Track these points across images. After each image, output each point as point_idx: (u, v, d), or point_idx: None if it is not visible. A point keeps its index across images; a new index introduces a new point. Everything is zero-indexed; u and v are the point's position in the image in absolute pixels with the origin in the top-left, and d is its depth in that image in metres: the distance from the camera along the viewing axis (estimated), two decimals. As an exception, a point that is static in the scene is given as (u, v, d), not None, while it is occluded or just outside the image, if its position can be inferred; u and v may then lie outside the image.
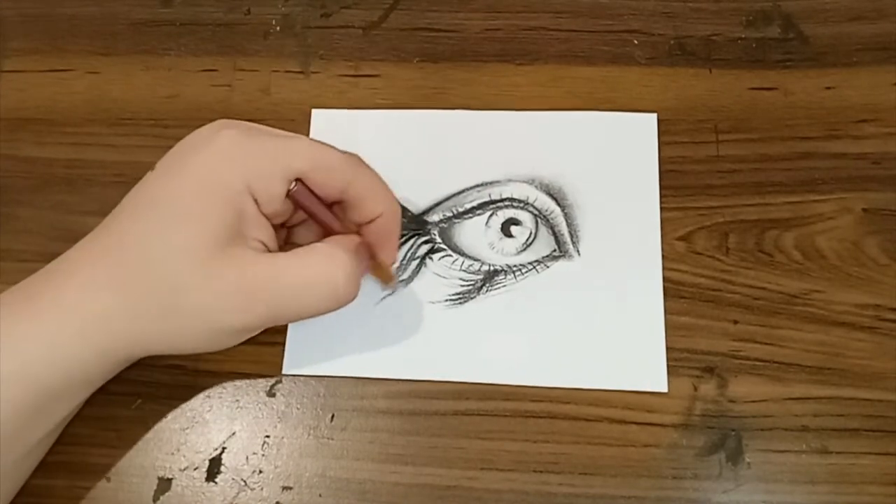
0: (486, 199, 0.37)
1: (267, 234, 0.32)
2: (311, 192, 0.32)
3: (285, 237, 0.35)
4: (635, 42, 0.40)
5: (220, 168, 0.30)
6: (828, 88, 0.38)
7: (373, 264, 0.34)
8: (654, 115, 0.38)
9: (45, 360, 0.29)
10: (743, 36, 0.40)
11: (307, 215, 0.33)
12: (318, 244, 0.32)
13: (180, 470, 0.34)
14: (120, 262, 0.30)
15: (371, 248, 0.33)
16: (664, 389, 0.34)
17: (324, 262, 0.31)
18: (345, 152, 0.32)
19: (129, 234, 0.31)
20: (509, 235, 0.36)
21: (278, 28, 0.42)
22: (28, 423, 0.30)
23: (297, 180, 0.31)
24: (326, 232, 0.33)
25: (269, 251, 0.32)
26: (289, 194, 0.31)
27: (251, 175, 0.30)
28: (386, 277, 0.35)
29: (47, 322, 0.30)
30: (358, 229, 0.33)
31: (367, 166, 0.33)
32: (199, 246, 0.29)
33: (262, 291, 0.30)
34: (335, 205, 0.33)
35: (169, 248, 0.30)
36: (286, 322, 0.35)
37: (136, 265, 0.30)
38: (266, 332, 0.35)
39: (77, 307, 0.30)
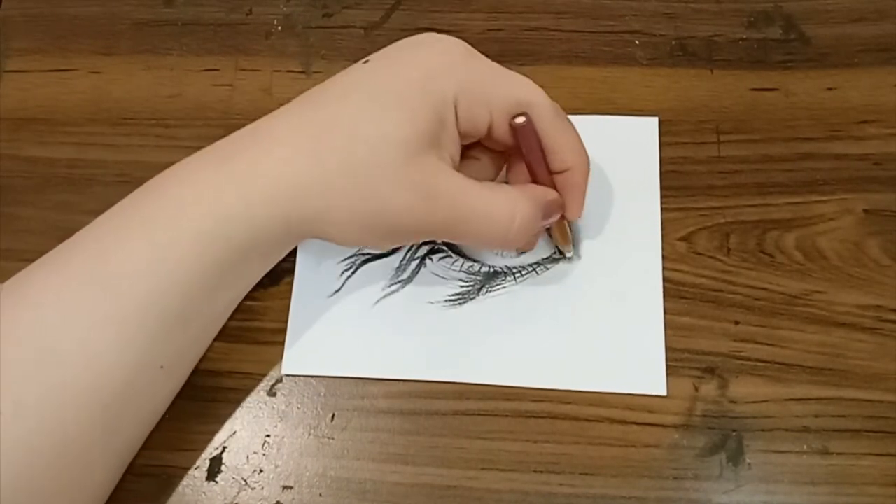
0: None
1: (456, 152, 0.32)
2: (535, 131, 0.32)
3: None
4: (637, 43, 0.40)
5: (437, 72, 0.31)
6: (829, 89, 0.38)
7: (556, 224, 0.34)
8: (656, 119, 0.38)
9: (239, 222, 0.30)
10: (744, 37, 0.40)
11: (521, 152, 0.32)
12: (508, 185, 0.33)
13: (181, 469, 0.34)
14: (323, 137, 0.30)
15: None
16: (663, 393, 0.34)
17: (508, 201, 0.31)
18: (551, 101, 0.32)
19: (336, 112, 0.31)
20: (510, 236, 0.36)
21: (280, 28, 0.42)
22: (219, 284, 0.31)
23: (526, 115, 0.31)
24: (530, 174, 0.33)
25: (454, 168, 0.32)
26: (513, 127, 0.31)
27: (462, 88, 0.31)
28: (563, 238, 0.35)
29: (244, 182, 0.30)
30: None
31: (567, 118, 0.33)
32: (403, 137, 0.30)
33: (446, 202, 0.30)
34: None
35: (378, 133, 0.30)
36: (451, 240, 0.35)
37: (341, 142, 0.30)
38: (266, 331, 0.36)
39: (274, 173, 0.30)
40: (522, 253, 0.36)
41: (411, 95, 0.30)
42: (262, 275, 0.35)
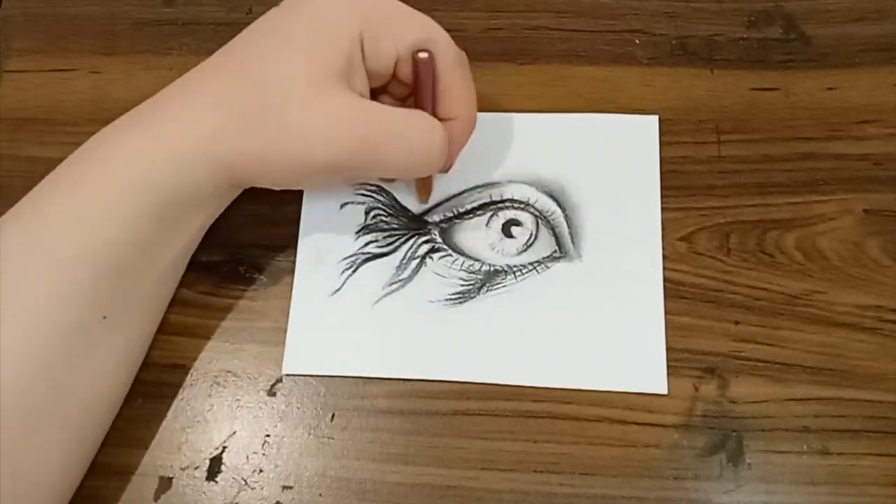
0: (487, 199, 0.37)
1: (364, 89, 0.33)
2: (435, 69, 0.32)
3: None
4: (637, 42, 0.40)
5: (341, 10, 0.32)
6: (829, 89, 0.38)
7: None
8: (656, 117, 0.38)
9: (164, 168, 0.31)
10: (745, 36, 0.40)
11: (413, 88, 0.33)
12: (418, 110, 0.33)
13: (181, 469, 0.34)
14: (235, 82, 0.32)
15: None
16: (664, 391, 0.34)
17: (424, 121, 0.32)
18: (456, 46, 0.33)
19: (245, 57, 0.32)
20: (510, 236, 0.36)
21: (280, 28, 0.42)
22: (158, 237, 0.32)
23: (429, 51, 0.32)
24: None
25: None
26: (416, 60, 0.32)
27: (368, 26, 0.32)
28: (425, 190, 0.36)
29: (165, 133, 0.31)
30: None
31: (467, 68, 0.33)
32: (311, 72, 0.31)
33: (360, 127, 0.31)
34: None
35: (282, 71, 0.31)
36: (373, 170, 0.34)
37: (250, 85, 0.31)
38: (265, 330, 0.36)
39: (192, 120, 0.31)
40: (522, 252, 0.36)
41: (317, 33, 0.31)
42: (203, 228, 0.35)
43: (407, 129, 0.32)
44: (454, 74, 0.33)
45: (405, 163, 0.33)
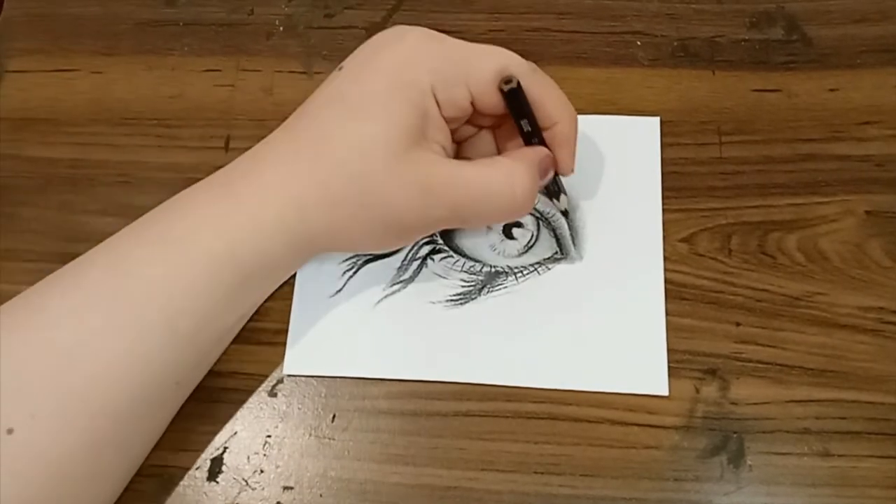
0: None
1: (446, 139, 0.33)
2: (523, 93, 0.32)
3: (455, 152, 0.36)
4: (638, 43, 0.40)
5: (409, 66, 0.31)
6: (831, 90, 0.38)
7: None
8: (657, 119, 0.38)
9: (247, 241, 0.31)
10: (746, 37, 0.40)
11: (513, 117, 0.33)
12: (500, 157, 0.33)
13: (182, 469, 0.34)
14: (314, 153, 0.31)
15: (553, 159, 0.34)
16: (665, 393, 0.33)
17: (504, 173, 0.32)
18: (527, 61, 0.33)
19: (315, 129, 0.32)
20: (511, 237, 0.36)
21: (281, 28, 0.42)
22: (228, 304, 0.32)
23: (515, 79, 0.31)
24: (523, 138, 0.33)
25: (447, 157, 0.32)
26: (503, 92, 0.31)
27: (437, 76, 0.31)
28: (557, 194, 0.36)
29: (250, 205, 0.31)
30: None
31: (546, 76, 0.33)
32: (389, 139, 0.30)
33: (445, 193, 0.31)
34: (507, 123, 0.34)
35: (364, 139, 0.31)
36: (464, 226, 0.35)
37: (332, 155, 0.31)
38: (267, 331, 0.36)
39: (277, 193, 0.31)
40: (523, 253, 0.36)
41: (389, 95, 0.31)
42: (269, 293, 0.35)
43: (489, 186, 0.32)
44: (539, 85, 0.32)
45: (492, 217, 0.33)
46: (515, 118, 0.33)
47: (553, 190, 0.36)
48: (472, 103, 0.32)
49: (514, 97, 0.32)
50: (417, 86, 0.31)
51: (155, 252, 0.31)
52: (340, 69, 0.33)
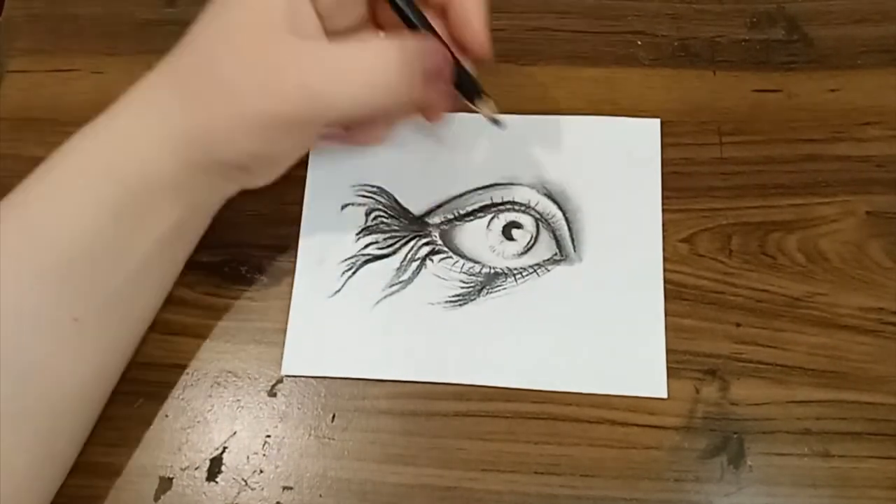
0: (488, 202, 0.37)
1: (315, 28, 0.30)
2: None
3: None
4: (639, 43, 0.40)
5: None
6: (832, 91, 0.38)
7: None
8: (658, 121, 0.38)
9: (126, 154, 0.31)
10: (747, 38, 0.40)
11: (394, 12, 0.31)
12: (375, 38, 0.31)
13: (181, 469, 0.34)
14: (176, 61, 0.31)
15: (458, 49, 0.31)
16: (663, 396, 0.33)
17: (375, 52, 0.29)
18: None
19: (188, 35, 0.32)
20: (510, 239, 0.36)
21: (282, 28, 0.42)
22: (126, 228, 0.31)
23: None
24: (403, 23, 0.31)
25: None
26: None
27: None
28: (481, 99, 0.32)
29: (121, 120, 0.31)
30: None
31: None
32: (240, 33, 0.30)
33: (296, 72, 0.29)
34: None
35: (212, 36, 0.30)
36: (336, 115, 0.31)
37: (187, 57, 0.31)
38: (266, 331, 0.36)
39: (146, 103, 0.31)
40: (523, 254, 0.36)
41: None
42: (179, 227, 0.33)
43: (350, 63, 0.29)
44: None
45: (358, 99, 0.29)
46: (392, 6, 0.30)
47: (469, 90, 0.32)
48: None
49: None
50: None
51: (41, 180, 0.31)
52: None
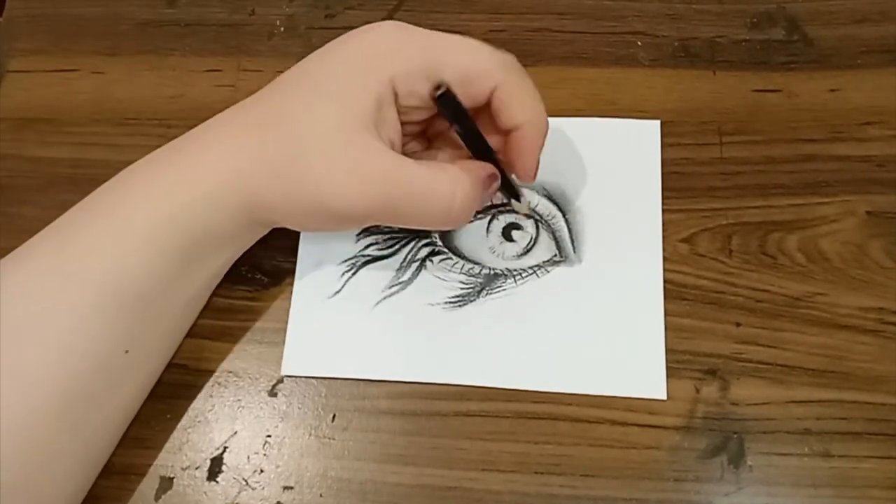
0: (488, 203, 0.37)
1: (396, 133, 0.32)
2: (457, 100, 0.31)
3: (425, 148, 0.35)
4: (639, 44, 0.40)
5: (371, 56, 0.31)
6: (832, 90, 0.38)
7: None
8: (658, 122, 0.38)
9: (190, 207, 0.31)
10: (747, 38, 0.40)
11: (449, 123, 0.32)
12: (448, 164, 0.32)
13: (182, 469, 0.34)
14: (264, 128, 0.32)
15: (508, 165, 0.33)
16: (663, 397, 0.33)
17: (447, 181, 0.31)
18: (501, 53, 0.32)
19: (272, 104, 0.32)
20: (510, 240, 0.36)
21: (283, 29, 0.42)
22: (182, 271, 0.32)
23: (445, 86, 0.30)
24: (466, 146, 0.33)
25: (394, 150, 0.32)
26: (434, 97, 0.31)
27: (397, 66, 0.31)
28: (514, 195, 0.35)
29: (191, 174, 0.32)
30: (501, 141, 0.33)
31: (522, 71, 0.32)
32: (332, 123, 0.31)
33: (382, 185, 0.31)
34: (484, 114, 0.32)
35: (307, 118, 0.31)
36: (394, 224, 0.35)
37: (280, 131, 0.31)
38: (266, 331, 0.36)
39: (219, 162, 0.32)
40: (522, 255, 0.36)
41: (346, 79, 0.31)
42: (225, 265, 0.35)
43: (428, 189, 0.31)
44: (508, 83, 0.32)
45: (425, 220, 0.32)
46: (451, 125, 0.32)
47: (508, 194, 0.35)
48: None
49: (446, 104, 0.31)
50: (377, 74, 0.31)
51: (98, 225, 0.31)
52: (310, 55, 0.33)
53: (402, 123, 0.32)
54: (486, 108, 0.32)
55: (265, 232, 0.35)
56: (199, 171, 0.32)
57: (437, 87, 0.30)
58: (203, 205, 0.31)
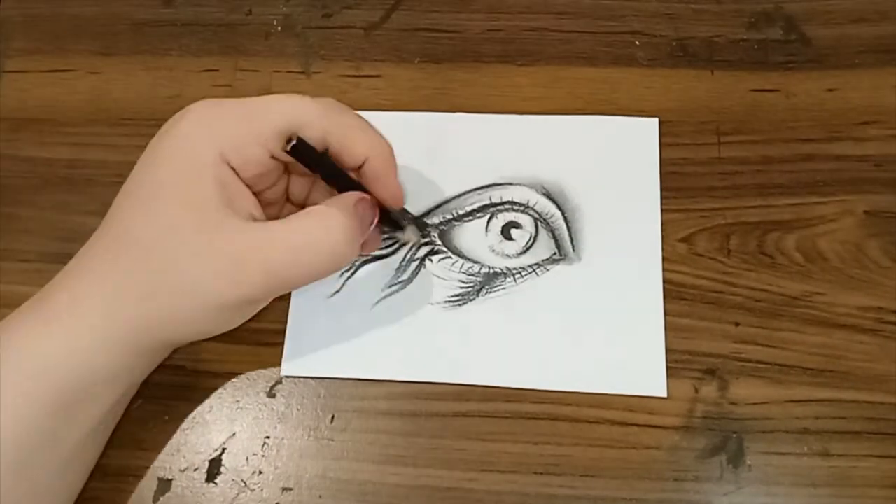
0: (487, 202, 0.37)
1: (252, 204, 0.31)
2: (309, 145, 0.30)
3: (303, 204, 0.35)
4: (637, 43, 0.40)
5: (191, 144, 0.30)
6: (830, 90, 0.38)
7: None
8: (656, 120, 0.38)
9: (67, 355, 0.30)
10: (745, 37, 0.40)
11: (311, 171, 0.32)
12: (313, 207, 0.31)
13: (180, 471, 0.34)
14: (116, 254, 0.30)
15: (373, 196, 0.33)
16: (663, 394, 0.33)
17: (319, 223, 0.30)
18: (320, 100, 0.31)
19: (120, 227, 0.31)
20: (509, 238, 0.36)
21: (279, 28, 0.42)
22: (61, 424, 0.30)
23: (294, 136, 0.30)
24: (331, 186, 0.32)
25: (257, 220, 0.31)
26: (290, 152, 0.30)
27: (222, 142, 0.30)
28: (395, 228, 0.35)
29: (63, 318, 0.30)
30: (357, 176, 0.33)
31: (346, 110, 0.32)
32: (184, 224, 0.30)
33: (255, 260, 0.30)
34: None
35: (155, 232, 0.30)
36: (291, 288, 0.35)
37: (130, 255, 0.30)
38: (265, 332, 0.35)
39: (88, 301, 0.30)
40: (522, 254, 0.36)
41: (177, 175, 0.30)
42: (121, 401, 0.33)
43: (302, 240, 0.30)
44: (334, 126, 0.31)
45: (314, 273, 0.31)
46: (312, 171, 0.32)
47: (398, 224, 0.35)
48: (273, 157, 0.31)
49: (302, 153, 0.30)
50: (201, 158, 0.30)
51: None
52: (137, 163, 0.32)
53: (255, 193, 0.32)
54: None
55: (164, 357, 0.34)
56: (69, 316, 0.30)
57: (288, 141, 0.30)
58: (79, 350, 0.30)
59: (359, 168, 0.32)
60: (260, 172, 0.31)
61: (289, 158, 0.31)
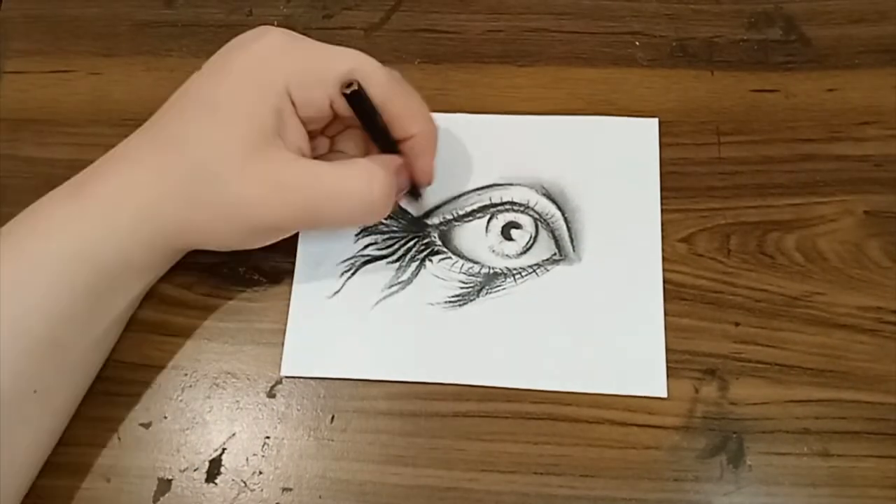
0: (487, 202, 0.37)
1: (303, 139, 0.33)
2: (367, 96, 0.31)
3: (329, 146, 0.36)
4: (637, 44, 0.40)
5: (262, 68, 0.31)
6: (829, 90, 0.38)
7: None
8: (656, 120, 0.38)
9: (104, 240, 0.31)
10: (745, 38, 0.40)
11: (359, 121, 0.33)
12: (359, 159, 0.33)
13: (180, 471, 0.34)
14: (169, 154, 0.31)
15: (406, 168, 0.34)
16: (663, 395, 0.33)
17: (362, 174, 0.32)
18: (388, 69, 0.32)
19: (173, 129, 0.32)
20: (509, 239, 0.36)
21: (280, 29, 0.42)
22: (94, 307, 0.32)
23: (355, 83, 0.31)
24: (373, 143, 0.34)
25: (304, 156, 0.32)
26: (345, 95, 0.31)
27: (291, 77, 0.31)
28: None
29: (103, 204, 0.31)
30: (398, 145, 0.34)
31: (407, 85, 0.33)
32: (238, 142, 0.31)
33: (299, 191, 0.31)
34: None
35: (210, 144, 0.31)
36: (321, 227, 0.36)
37: (183, 156, 0.31)
38: (265, 332, 0.35)
39: (130, 192, 0.31)
40: (522, 254, 0.36)
41: (242, 97, 0.31)
42: (142, 293, 0.35)
43: (345, 186, 0.32)
44: (394, 95, 0.32)
45: (348, 217, 0.33)
46: (361, 122, 0.33)
47: (412, 195, 0.36)
48: (332, 106, 0.32)
49: (357, 101, 0.31)
50: (272, 86, 0.31)
51: (9, 258, 0.30)
52: (199, 71, 0.33)
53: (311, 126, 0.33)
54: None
55: (179, 258, 0.35)
56: (110, 202, 0.31)
57: (348, 85, 0.31)
58: (116, 237, 0.31)
59: (401, 141, 0.33)
60: (314, 116, 0.32)
61: (343, 112, 0.32)
